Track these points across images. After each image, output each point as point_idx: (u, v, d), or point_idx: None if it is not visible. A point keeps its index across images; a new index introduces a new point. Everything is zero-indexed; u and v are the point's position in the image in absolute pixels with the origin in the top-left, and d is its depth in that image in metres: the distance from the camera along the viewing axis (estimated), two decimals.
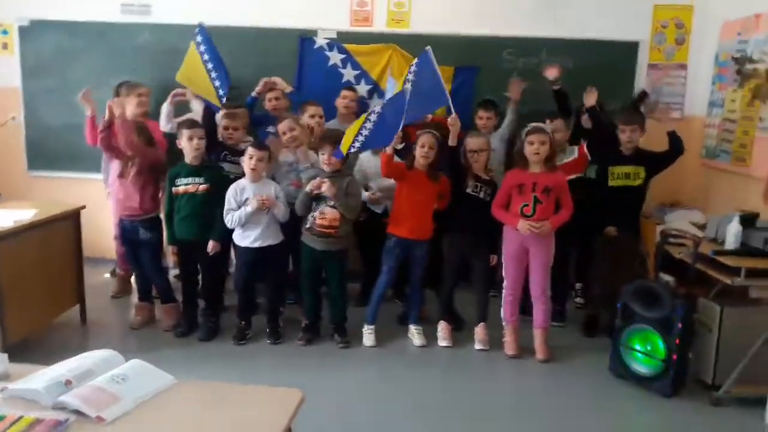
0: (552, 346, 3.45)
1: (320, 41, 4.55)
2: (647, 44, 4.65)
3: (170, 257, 3.74)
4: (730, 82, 4.14)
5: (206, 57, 3.75)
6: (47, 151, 4.92)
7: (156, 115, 4.19)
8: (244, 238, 3.47)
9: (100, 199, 4.33)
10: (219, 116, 3.76)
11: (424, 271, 3.59)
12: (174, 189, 3.50)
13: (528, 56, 4.62)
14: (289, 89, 4.10)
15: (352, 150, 3.38)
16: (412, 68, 3.32)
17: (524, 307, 3.52)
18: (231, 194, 3.42)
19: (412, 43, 4.52)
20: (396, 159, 3.46)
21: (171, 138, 3.84)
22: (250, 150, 3.39)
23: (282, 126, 3.67)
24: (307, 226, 3.46)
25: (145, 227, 3.59)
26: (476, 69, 4.52)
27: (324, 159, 3.41)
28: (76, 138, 4.36)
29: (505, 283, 3.45)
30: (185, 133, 3.44)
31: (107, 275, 4.57)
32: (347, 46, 4.54)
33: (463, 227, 3.52)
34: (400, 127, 3.25)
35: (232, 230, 3.49)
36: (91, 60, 4.79)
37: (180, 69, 3.85)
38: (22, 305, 3.24)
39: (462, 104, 3.93)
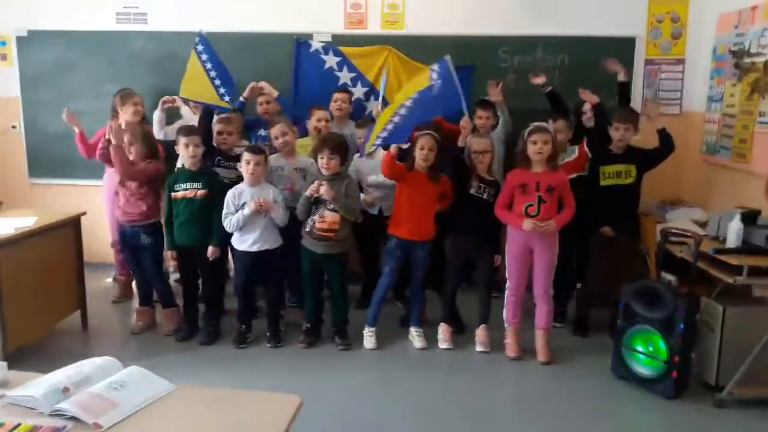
0: (553, 347, 3.44)
1: (316, 45, 4.55)
2: (643, 39, 4.64)
3: (170, 262, 3.74)
4: (729, 76, 4.12)
5: (209, 65, 3.81)
6: (47, 159, 4.96)
7: (152, 122, 4.20)
8: (242, 242, 3.47)
9: (101, 206, 4.34)
10: (214, 121, 3.78)
11: (425, 273, 3.59)
12: (173, 194, 3.51)
13: (523, 54, 4.62)
14: (276, 94, 4.12)
15: (374, 148, 3.43)
16: (434, 74, 3.33)
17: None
18: (230, 198, 3.43)
19: (407, 45, 4.55)
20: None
21: (164, 145, 3.86)
22: (246, 155, 3.40)
23: (274, 130, 3.68)
24: (307, 229, 3.46)
25: (147, 232, 3.60)
26: (472, 68, 4.51)
27: (323, 163, 3.42)
28: (76, 146, 4.36)
29: (508, 284, 3.44)
30: (182, 140, 3.47)
31: (108, 280, 4.58)
32: (343, 48, 4.54)
33: (466, 228, 3.52)
34: (412, 129, 3.30)
35: (231, 235, 3.50)
36: (88, 69, 4.83)
37: (182, 83, 3.87)
38: (23, 311, 3.25)
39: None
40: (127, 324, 3.88)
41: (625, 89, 4.01)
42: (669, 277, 3.51)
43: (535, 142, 3.25)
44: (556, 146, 3.32)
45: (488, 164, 3.54)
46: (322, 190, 3.32)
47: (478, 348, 3.53)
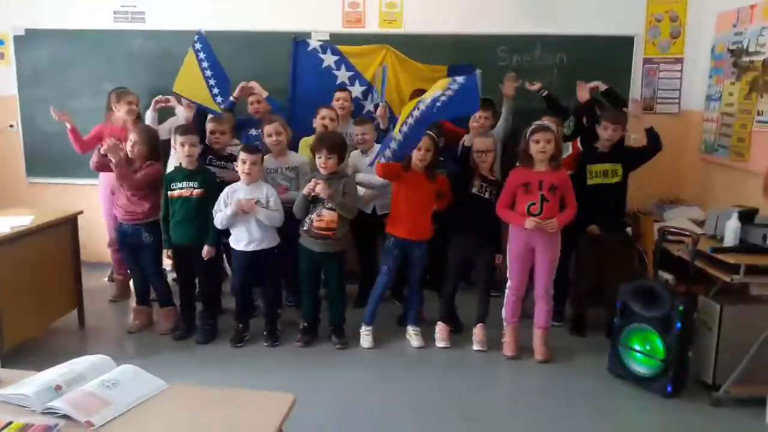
0: (550, 346, 3.43)
1: (314, 43, 4.55)
2: (642, 38, 4.63)
3: (166, 261, 3.74)
4: (727, 74, 4.12)
5: (205, 64, 3.82)
6: (45, 157, 4.96)
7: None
8: (238, 242, 3.47)
9: (98, 205, 4.34)
10: (207, 121, 3.79)
11: (423, 272, 3.59)
12: (169, 193, 3.50)
13: (522, 53, 4.62)
14: (265, 94, 4.11)
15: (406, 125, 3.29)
16: (454, 85, 3.25)
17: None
18: (223, 195, 3.44)
19: (405, 44, 4.55)
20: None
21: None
22: (242, 154, 3.39)
23: (269, 128, 3.66)
24: (305, 228, 3.46)
25: (148, 230, 3.60)
26: (470, 67, 4.50)
27: (320, 162, 3.41)
28: (73, 144, 4.36)
29: (509, 284, 3.44)
30: (178, 139, 3.47)
31: (105, 280, 4.58)
32: (341, 47, 4.54)
33: (468, 227, 3.51)
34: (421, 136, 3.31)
35: (228, 234, 3.49)
36: (86, 67, 4.83)
37: (177, 79, 3.87)
38: (19, 310, 3.25)
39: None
40: (123, 323, 3.88)
41: (611, 95, 3.99)
42: (666, 275, 3.50)
43: (537, 141, 3.25)
44: (559, 145, 3.32)
45: (490, 163, 3.54)
46: (319, 188, 3.32)
47: (476, 347, 3.52)
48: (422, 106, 3.23)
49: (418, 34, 4.62)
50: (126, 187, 3.56)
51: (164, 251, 3.60)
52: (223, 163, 3.76)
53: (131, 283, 4.03)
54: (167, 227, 3.53)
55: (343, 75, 4.53)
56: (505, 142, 4.02)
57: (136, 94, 4.15)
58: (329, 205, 3.38)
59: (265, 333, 3.58)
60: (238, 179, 3.47)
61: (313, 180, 3.38)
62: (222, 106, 3.81)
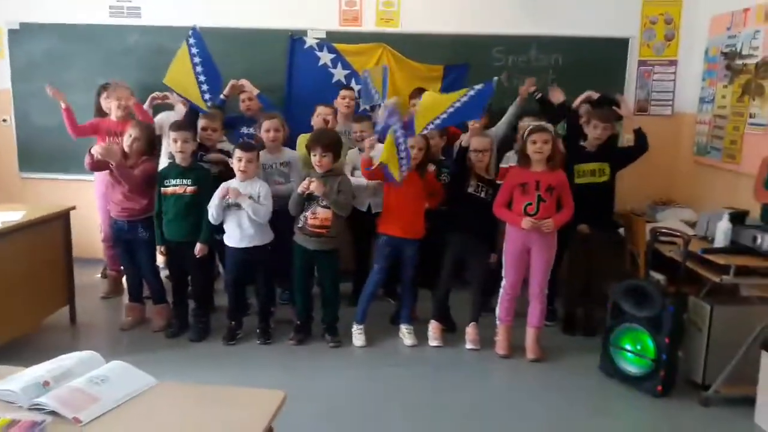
0: (542, 345, 3.44)
1: (310, 41, 4.54)
2: (637, 40, 4.65)
3: (159, 257, 3.73)
4: (721, 77, 4.14)
5: (197, 60, 3.79)
6: (38, 152, 4.93)
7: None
8: (231, 239, 3.47)
9: (91, 200, 4.32)
10: (199, 117, 3.78)
11: (415, 271, 3.59)
12: (162, 190, 3.50)
13: (517, 53, 4.63)
14: (256, 91, 4.11)
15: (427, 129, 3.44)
16: (472, 92, 3.40)
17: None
18: (217, 193, 3.42)
19: (402, 42, 4.56)
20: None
21: None
22: (238, 152, 3.39)
23: (268, 123, 3.67)
24: (300, 225, 3.46)
25: (144, 226, 3.60)
26: (466, 66, 4.52)
27: (315, 161, 3.41)
28: (67, 140, 4.34)
29: (504, 283, 3.45)
30: (171, 135, 3.47)
31: (98, 276, 4.56)
32: (337, 45, 4.54)
33: (464, 227, 3.52)
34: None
35: (221, 232, 3.49)
36: (80, 62, 4.79)
37: (168, 71, 3.85)
38: (10, 306, 3.23)
39: None
40: (116, 320, 3.86)
41: (605, 100, 4.01)
42: (658, 276, 3.53)
43: (534, 142, 3.26)
44: (557, 146, 3.32)
45: (487, 163, 3.55)
46: (313, 186, 3.32)
47: (468, 346, 3.53)
48: (445, 115, 3.35)
49: (415, 34, 4.62)
50: (126, 184, 3.54)
51: (157, 248, 3.59)
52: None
53: (124, 279, 4.02)
54: (160, 223, 3.53)
55: (339, 73, 4.53)
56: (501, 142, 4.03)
57: (129, 88, 4.11)
58: (324, 202, 3.38)
59: (258, 331, 3.58)
60: (224, 161, 3.51)
61: (307, 178, 3.38)
62: (209, 104, 3.80)
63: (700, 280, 3.21)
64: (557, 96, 3.90)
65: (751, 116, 3.76)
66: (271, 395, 1.62)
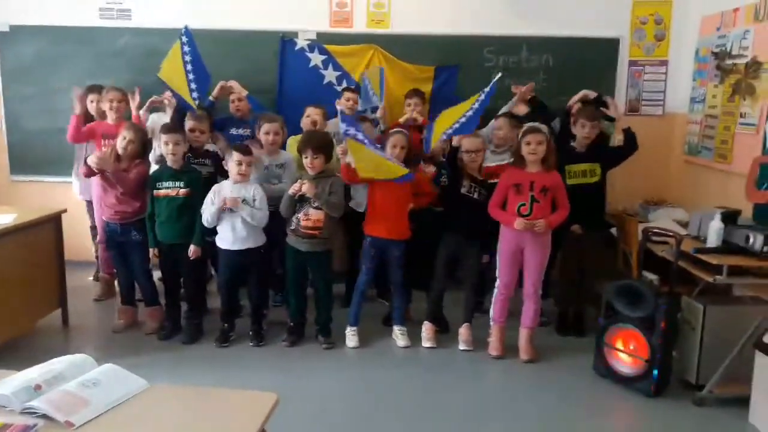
0: (535, 345, 3.45)
1: (301, 42, 4.54)
2: (627, 41, 4.68)
3: (153, 260, 3.71)
4: (711, 77, 4.17)
5: (187, 58, 3.81)
6: (29, 155, 4.90)
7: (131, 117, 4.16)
8: (224, 241, 3.46)
9: (83, 203, 4.30)
10: (186, 118, 3.77)
11: (402, 271, 3.58)
12: (155, 192, 3.48)
13: (508, 54, 4.65)
14: (245, 93, 4.10)
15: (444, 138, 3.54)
16: (482, 95, 3.47)
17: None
18: (210, 194, 3.42)
19: (393, 44, 4.56)
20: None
21: None
22: (236, 156, 3.37)
23: (269, 126, 3.66)
24: (292, 227, 3.45)
25: (137, 229, 3.58)
26: (457, 68, 4.53)
27: (307, 162, 3.41)
28: (58, 142, 4.34)
29: (497, 283, 3.45)
30: (162, 137, 3.46)
31: (90, 278, 4.54)
32: (328, 47, 4.54)
33: (457, 228, 3.52)
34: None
35: (214, 234, 3.48)
36: (71, 65, 4.77)
37: (163, 64, 3.86)
38: (2, 309, 3.21)
39: (444, 103, 3.93)
40: (108, 322, 3.83)
41: (601, 100, 4.04)
42: (651, 276, 3.54)
43: (529, 143, 3.26)
44: (551, 147, 3.33)
45: (480, 164, 3.55)
46: (305, 188, 3.32)
47: (462, 346, 3.53)
48: (463, 119, 3.40)
49: (406, 35, 4.63)
50: (120, 188, 3.53)
51: (150, 250, 3.57)
52: (201, 160, 3.73)
53: (116, 282, 3.99)
54: (153, 225, 3.51)
55: (330, 74, 4.53)
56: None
57: (123, 89, 4.09)
58: (316, 204, 3.38)
59: (250, 333, 3.57)
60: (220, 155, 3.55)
61: (299, 180, 3.38)
62: (197, 102, 3.79)
63: (693, 280, 3.22)
64: (521, 109, 3.97)
65: (741, 116, 3.78)
66: (264, 397, 1.62)
